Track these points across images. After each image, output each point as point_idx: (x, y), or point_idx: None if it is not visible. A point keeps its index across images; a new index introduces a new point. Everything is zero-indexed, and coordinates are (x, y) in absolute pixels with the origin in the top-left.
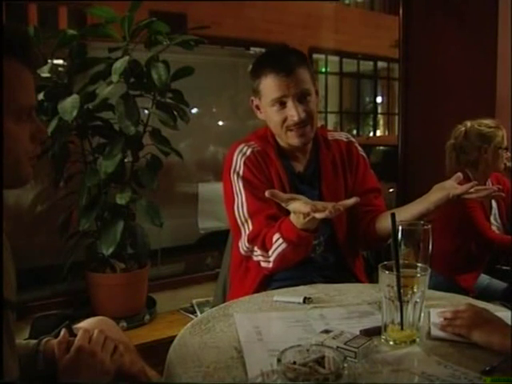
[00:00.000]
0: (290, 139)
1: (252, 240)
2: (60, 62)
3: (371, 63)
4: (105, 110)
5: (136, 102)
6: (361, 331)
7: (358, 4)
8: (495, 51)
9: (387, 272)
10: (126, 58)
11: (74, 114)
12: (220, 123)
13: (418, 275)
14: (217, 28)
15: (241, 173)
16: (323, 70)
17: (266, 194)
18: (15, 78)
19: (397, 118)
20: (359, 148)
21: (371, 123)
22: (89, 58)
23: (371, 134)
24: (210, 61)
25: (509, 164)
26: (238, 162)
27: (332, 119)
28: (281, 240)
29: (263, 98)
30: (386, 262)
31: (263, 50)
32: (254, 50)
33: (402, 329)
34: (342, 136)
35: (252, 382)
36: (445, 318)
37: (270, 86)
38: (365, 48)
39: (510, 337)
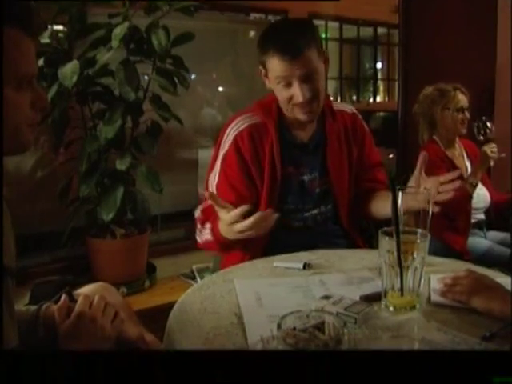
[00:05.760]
0: (297, 115)
1: (202, 211)
2: (60, 27)
3: (371, 29)
4: (105, 76)
5: (136, 67)
6: (361, 297)
7: None
8: (495, 14)
9: (387, 238)
10: (126, 23)
11: (74, 79)
12: (220, 89)
13: (418, 241)
14: None
15: (226, 148)
16: (323, 36)
17: (206, 195)
18: (16, 46)
19: (397, 83)
20: (363, 121)
21: (371, 89)
22: (89, 23)
23: (371, 100)
24: (210, 27)
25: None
26: (230, 136)
27: (332, 85)
28: (208, 230)
29: (269, 73)
30: (385, 228)
31: (263, 16)
32: (253, 15)
33: (402, 295)
34: (346, 108)
35: (252, 348)
36: (445, 284)
37: (274, 65)
38: (365, 14)
39: (509, 303)
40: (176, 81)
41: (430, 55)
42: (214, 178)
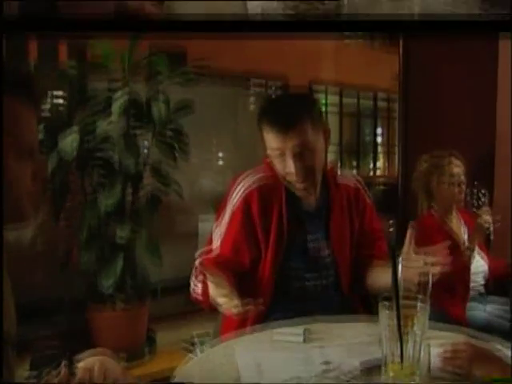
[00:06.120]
0: (295, 187)
1: (200, 262)
2: (59, 93)
3: (371, 100)
4: (104, 143)
5: (136, 140)
6: (361, 368)
7: (359, 43)
8: (495, 84)
9: (387, 310)
10: (126, 96)
11: (74, 153)
12: (220, 157)
13: (418, 312)
14: (216, 60)
15: (235, 204)
16: (323, 102)
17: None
18: (19, 116)
19: (396, 155)
20: (366, 193)
21: (371, 160)
22: (88, 94)
23: (371, 168)
24: (210, 94)
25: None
26: (240, 192)
27: (332, 156)
28: (199, 288)
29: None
30: (386, 297)
31: (263, 89)
32: (254, 89)
33: (401, 365)
34: (350, 181)
35: None
36: (444, 355)
37: (267, 138)
38: (365, 86)
39: (509, 375)
40: (176, 150)
41: (429, 125)
42: (219, 232)
